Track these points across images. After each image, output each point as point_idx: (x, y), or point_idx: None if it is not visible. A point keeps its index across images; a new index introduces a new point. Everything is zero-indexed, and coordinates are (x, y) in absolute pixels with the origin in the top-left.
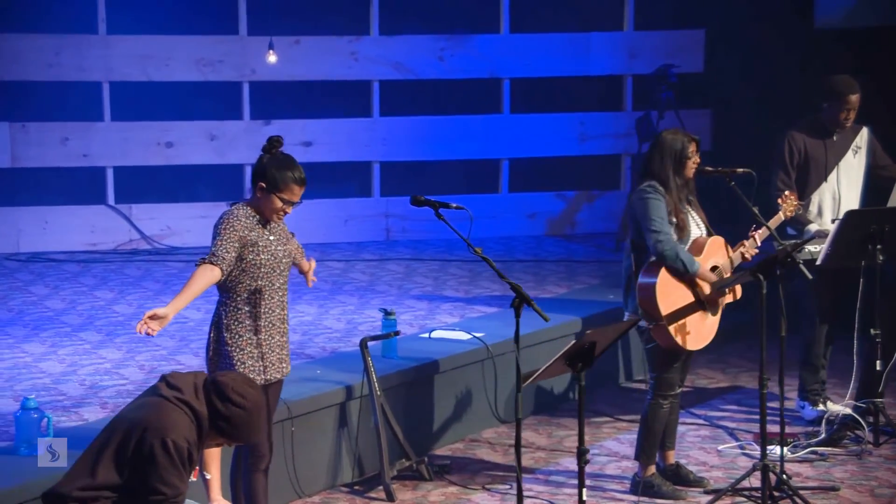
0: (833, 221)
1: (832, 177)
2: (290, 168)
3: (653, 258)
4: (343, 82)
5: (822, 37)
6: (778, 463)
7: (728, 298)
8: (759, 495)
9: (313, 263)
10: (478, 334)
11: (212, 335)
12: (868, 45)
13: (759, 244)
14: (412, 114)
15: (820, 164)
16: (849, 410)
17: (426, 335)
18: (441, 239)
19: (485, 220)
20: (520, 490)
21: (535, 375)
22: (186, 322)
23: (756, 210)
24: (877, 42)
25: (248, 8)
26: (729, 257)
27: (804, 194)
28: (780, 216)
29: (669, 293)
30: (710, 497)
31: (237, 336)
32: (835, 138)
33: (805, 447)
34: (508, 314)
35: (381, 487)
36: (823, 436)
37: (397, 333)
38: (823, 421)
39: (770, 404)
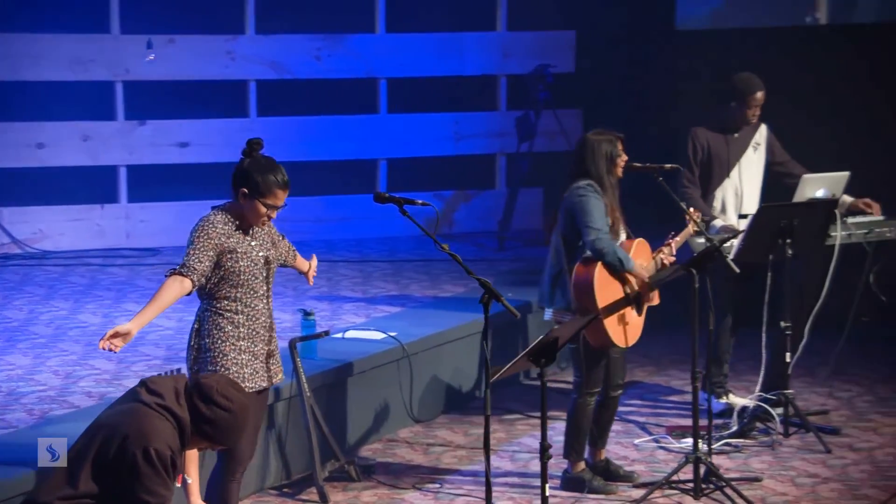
0: (741, 217)
1: (734, 173)
2: (274, 172)
3: (587, 254)
4: (219, 82)
5: (683, 38)
6: (705, 456)
7: (653, 302)
8: (691, 487)
9: (314, 262)
10: (391, 333)
11: (192, 342)
12: (728, 47)
13: (675, 253)
14: (290, 114)
15: (723, 161)
16: (750, 402)
17: (340, 335)
18: (320, 240)
19: (363, 220)
20: (488, 485)
21: (502, 371)
22: (87, 326)
23: (684, 205)
24: (737, 44)
25: (121, 6)
26: (653, 259)
27: (708, 190)
28: (689, 230)
29: (604, 288)
30: (642, 491)
31: (219, 342)
32: (736, 135)
33: (719, 439)
34: (413, 313)
35: (311, 489)
36: (735, 428)
37: (327, 333)
38: (735, 413)
39: (670, 398)
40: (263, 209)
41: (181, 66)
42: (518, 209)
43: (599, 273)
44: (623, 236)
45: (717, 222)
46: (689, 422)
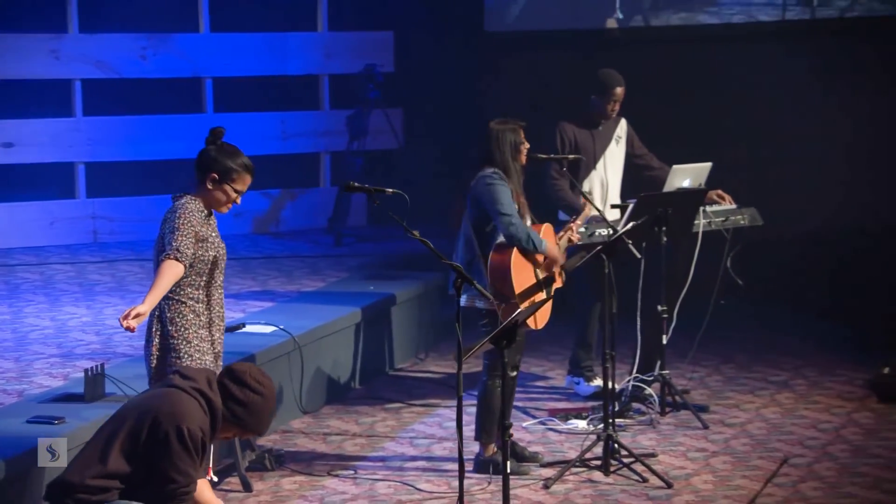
0: (613, 207)
1: (600, 165)
2: (241, 157)
3: (500, 240)
4: (44, 81)
5: (491, 40)
6: (615, 434)
7: (557, 284)
8: (598, 465)
9: None
10: (280, 326)
11: (154, 328)
12: (534, 49)
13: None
14: (116, 113)
15: (589, 154)
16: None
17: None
18: (151, 240)
19: None
20: (462, 465)
21: (471, 352)
22: None
23: (586, 192)
24: (543, 45)
25: None
26: (557, 243)
27: (576, 182)
28: (587, 212)
29: (520, 273)
30: (551, 470)
31: (182, 329)
32: (600, 128)
33: (600, 420)
34: (287, 307)
35: (230, 478)
36: (615, 408)
37: (243, 325)
38: (621, 395)
39: (537, 383)
40: (233, 194)
41: (4, 65)
42: (352, 206)
43: (515, 258)
44: (528, 221)
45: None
46: (569, 405)
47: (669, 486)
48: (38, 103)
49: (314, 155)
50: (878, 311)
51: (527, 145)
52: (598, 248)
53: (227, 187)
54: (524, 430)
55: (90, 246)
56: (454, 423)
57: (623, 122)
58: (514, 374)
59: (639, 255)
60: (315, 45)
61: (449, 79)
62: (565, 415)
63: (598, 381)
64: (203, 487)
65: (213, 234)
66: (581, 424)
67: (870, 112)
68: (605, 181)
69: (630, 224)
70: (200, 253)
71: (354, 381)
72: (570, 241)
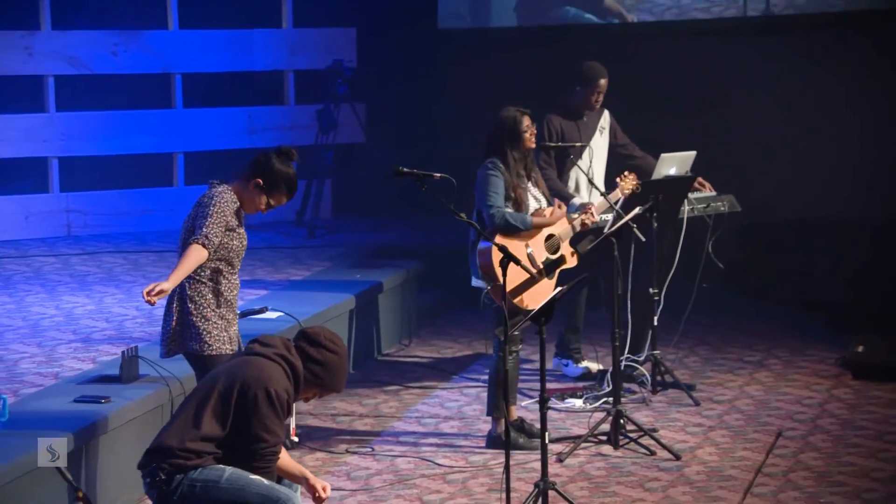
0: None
1: (585, 154)
2: (289, 178)
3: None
4: (17, 77)
5: (444, 37)
6: (625, 410)
7: (571, 264)
8: (605, 439)
9: None
10: (286, 312)
11: (174, 307)
12: (486, 45)
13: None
14: (88, 109)
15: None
16: (598, 366)
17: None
18: (125, 233)
19: (162, 213)
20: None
21: (516, 327)
22: None
23: (593, 181)
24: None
25: None
26: (571, 225)
27: (563, 171)
28: (618, 192)
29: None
30: (560, 445)
31: (202, 308)
32: (585, 119)
33: (595, 398)
34: (282, 294)
35: None
36: (608, 388)
37: (265, 309)
38: (608, 375)
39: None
40: (265, 205)
41: None
42: (323, 198)
43: (500, 241)
44: (534, 206)
45: (576, 200)
46: (561, 385)
47: (678, 457)
48: (12, 99)
49: None
50: (841, 298)
51: (533, 131)
52: (611, 230)
53: (265, 197)
54: (524, 410)
55: (65, 239)
56: (455, 404)
57: (606, 114)
58: (517, 348)
59: (643, 238)
60: (280, 41)
61: (407, 74)
62: (561, 394)
63: (586, 363)
64: (282, 450)
65: (241, 226)
66: (578, 403)
67: (847, 104)
68: (591, 171)
69: (637, 209)
70: (226, 241)
71: (349, 365)
72: (583, 224)
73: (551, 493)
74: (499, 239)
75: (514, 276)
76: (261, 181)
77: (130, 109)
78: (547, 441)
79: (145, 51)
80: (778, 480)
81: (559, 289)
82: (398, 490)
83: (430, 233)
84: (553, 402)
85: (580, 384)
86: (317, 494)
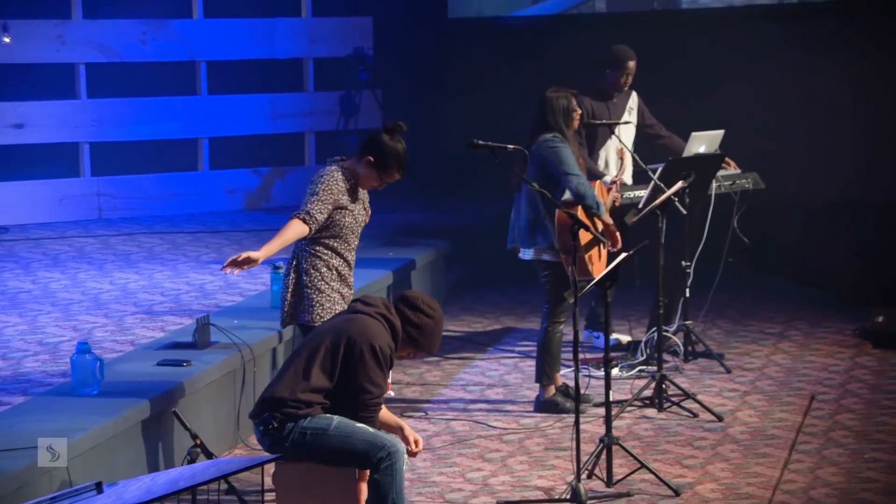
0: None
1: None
2: (399, 155)
3: (566, 197)
4: (51, 65)
5: (454, 26)
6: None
7: (616, 247)
8: (648, 403)
9: None
10: None
11: (291, 278)
12: (493, 34)
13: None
14: (118, 95)
15: None
16: (628, 338)
17: None
18: (153, 216)
19: (188, 196)
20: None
21: (584, 290)
22: None
23: (636, 158)
24: (501, 31)
25: None
26: (604, 201)
27: (593, 150)
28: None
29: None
30: (603, 410)
31: (316, 280)
32: (615, 100)
33: (630, 367)
34: None
35: None
36: (642, 357)
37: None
38: (642, 344)
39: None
40: (379, 181)
41: (14, 50)
42: None
43: (581, 215)
44: None
45: (607, 178)
46: (594, 355)
47: (720, 419)
48: (46, 86)
49: (300, 134)
50: (855, 275)
51: (579, 111)
52: (656, 203)
53: (377, 174)
54: (564, 378)
55: (97, 221)
56: (496, 373)
57: (634, 95)
58: (562, 319)
59: (685, 212)
60: (300, 30)
61: (423, 62)
62: (597, 363)
63: (616, 335)
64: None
65: (358, 205)
66: (614, 371)
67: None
68: (623, 149)
69: (680, 183)
70: (338, 218)
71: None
72: (614, 203)
73: (614, 447)
74: (580, 210)
75: (587, 245)
76: (371, 158)
77: (157, 96)
78: (587, 407)
79: (172, 39)
80: (820, 439)
81: (624, 254)
82: (459, 449)
83: (447, 215)
84: (589, 371)
85: (617, 353)
86: (409, 446)
